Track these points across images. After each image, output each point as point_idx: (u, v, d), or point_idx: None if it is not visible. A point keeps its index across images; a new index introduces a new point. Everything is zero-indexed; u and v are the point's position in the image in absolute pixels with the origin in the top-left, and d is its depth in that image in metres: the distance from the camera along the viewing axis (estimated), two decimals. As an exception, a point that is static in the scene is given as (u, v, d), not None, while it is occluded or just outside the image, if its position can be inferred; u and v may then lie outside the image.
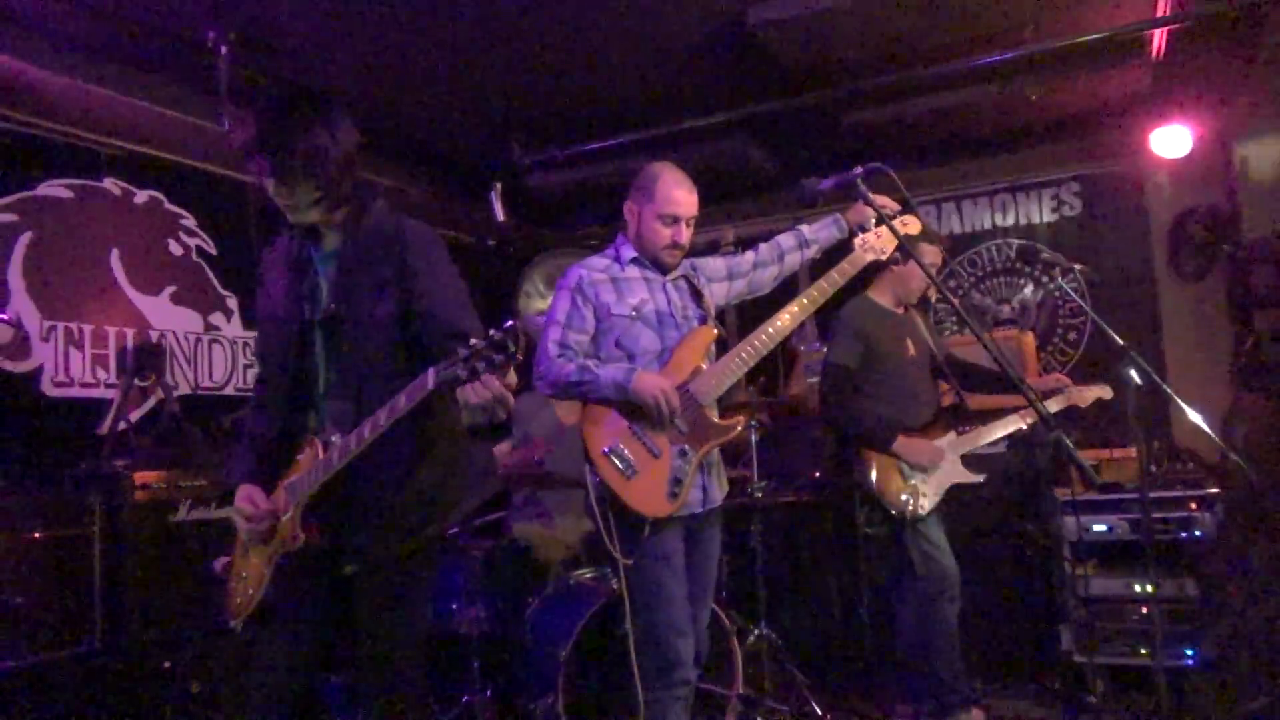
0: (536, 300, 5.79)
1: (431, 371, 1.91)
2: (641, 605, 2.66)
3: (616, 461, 2.65)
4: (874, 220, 2.96)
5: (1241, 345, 4.78)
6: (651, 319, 2.79)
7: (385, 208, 2.30)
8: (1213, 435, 3.09)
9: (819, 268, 3.07)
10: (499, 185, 5.25)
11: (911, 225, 3.09)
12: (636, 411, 2.66)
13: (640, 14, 3.79)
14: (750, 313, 3.18)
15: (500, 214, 5.17)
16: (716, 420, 2.74)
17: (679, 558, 2.71)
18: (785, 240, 3.08)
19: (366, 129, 2.31)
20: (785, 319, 2.84)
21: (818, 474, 4.80)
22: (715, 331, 2.86)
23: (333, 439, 2.16)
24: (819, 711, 3.83)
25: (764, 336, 2.80)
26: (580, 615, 3.39)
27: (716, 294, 3.01)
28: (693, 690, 2.72)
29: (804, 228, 3.10)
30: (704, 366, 2.77)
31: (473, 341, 1.85)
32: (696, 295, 2.93)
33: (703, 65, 4.28)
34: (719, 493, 2.85)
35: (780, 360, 5.40)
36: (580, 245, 6.37)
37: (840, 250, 3.10)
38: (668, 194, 2.79)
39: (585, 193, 5.46)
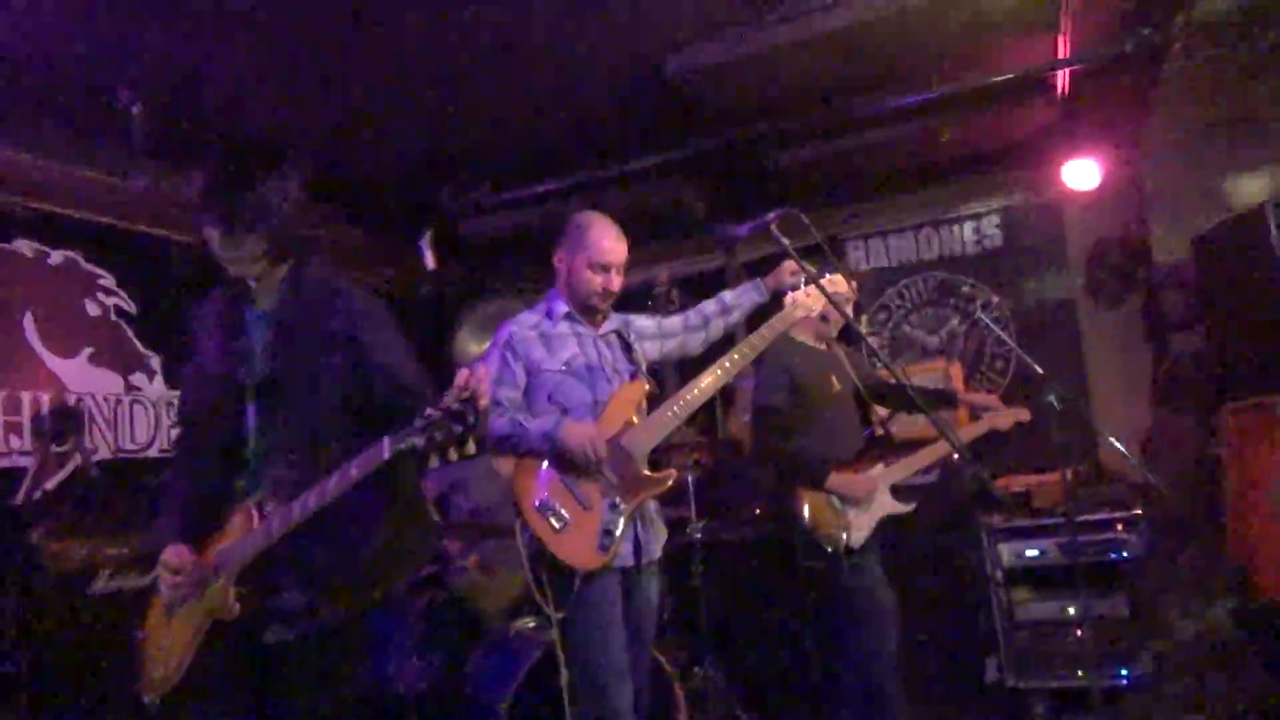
0: (471, 346, 5.74)
1: (386, 441, 1.87)
2: (578, 655, 2.64)
3: (549, 516, 2.65)
4: (803, 279, 3.00)
5: (1159, 367, 4.94)
6: (582, 373, 2.81)
7: (321, 265, 2.28)
8: (1132, 459, 3.18)
9: (755, 322, 3.11)
10: (430, 233, 5.24)
11: (838, 284, 3.17)
12: (567, 464, 2.67)
13: (560, 63, 3.84)
14: (690, 368, 3.21)
15: (431, 261, 5.15)
16: (648, 473, 2.75)
17: (616, 607, 2.69)
18: (708, 306, 3.14)
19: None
20: (712, 377, 2.87)
21: (758, 511, 4.82)
22: (646, 386, 2.89)
23: (269, 506, 2.09)
24: (765, 751, 3.82)
25: (694, 393, 2.83)
26: (520, 666, 3.34)
27: (649, 351, 3.04)
28: (632, 739, 2.68)
29: (726, 294, 3.16)
30: (635, 420, 2.79)
31: (428, 411, 1.81)
32: (628, 349, 2.97)
33: (626, 111, 4.34)
34: (656, 547, 2.85)
35: (719, 398, 5.42)
36: (514, 291, 6.34)
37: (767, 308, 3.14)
38: (598, 243, 2.84)
39: (518, 238, 5.46)
